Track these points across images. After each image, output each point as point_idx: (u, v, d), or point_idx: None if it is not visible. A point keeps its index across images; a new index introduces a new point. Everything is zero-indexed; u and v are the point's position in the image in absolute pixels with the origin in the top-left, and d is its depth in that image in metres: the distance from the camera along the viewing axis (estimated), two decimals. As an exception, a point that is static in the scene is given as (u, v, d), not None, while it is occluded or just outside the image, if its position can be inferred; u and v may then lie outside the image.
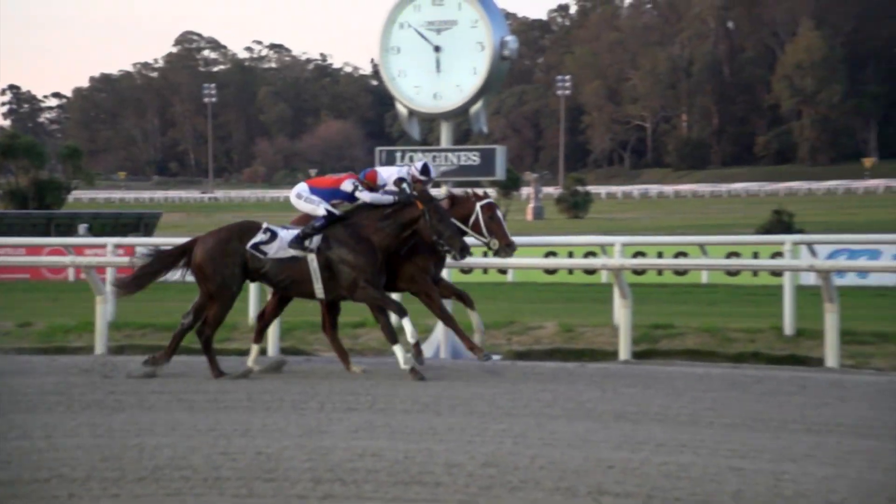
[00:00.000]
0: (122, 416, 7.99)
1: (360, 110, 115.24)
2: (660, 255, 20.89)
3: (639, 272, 16.67)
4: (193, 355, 10.54)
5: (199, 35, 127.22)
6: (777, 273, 15.65)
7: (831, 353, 11.02)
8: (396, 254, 9.76)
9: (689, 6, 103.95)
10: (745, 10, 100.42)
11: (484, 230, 9.82)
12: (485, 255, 11.37)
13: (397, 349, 9.60)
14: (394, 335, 9.67)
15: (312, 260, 9.61)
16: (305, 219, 9.93)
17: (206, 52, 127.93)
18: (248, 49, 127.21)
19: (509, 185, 55.87)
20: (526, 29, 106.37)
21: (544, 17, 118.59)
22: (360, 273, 9.58)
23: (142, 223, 38.34)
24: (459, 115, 12.08)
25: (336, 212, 9.77)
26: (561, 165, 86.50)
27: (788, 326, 12.67)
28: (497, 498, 5.75)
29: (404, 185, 9.74)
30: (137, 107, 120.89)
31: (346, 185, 9.78)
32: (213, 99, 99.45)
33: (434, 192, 10.35)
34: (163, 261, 10.13)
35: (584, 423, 7.71)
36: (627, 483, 5.97)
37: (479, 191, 10.26)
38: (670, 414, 8.04)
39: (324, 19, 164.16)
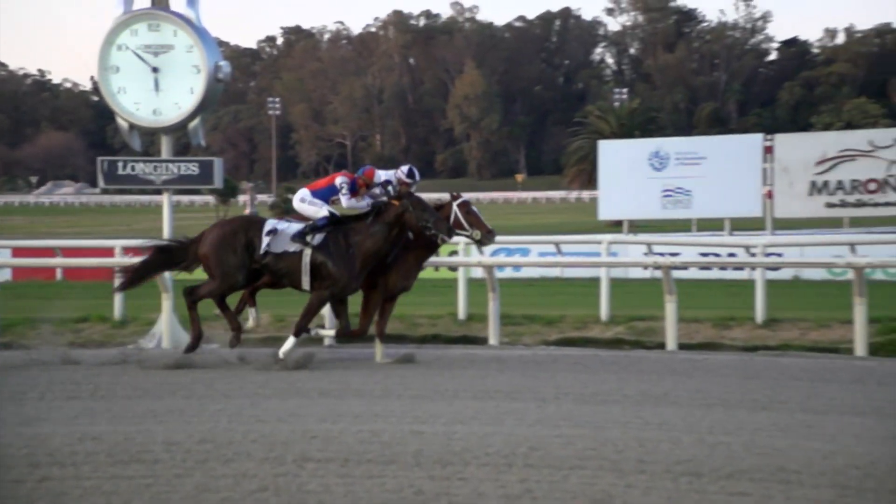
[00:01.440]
0: None
1: (81, 122, 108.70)
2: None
3: None
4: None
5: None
6: (453, 268, 16.04)
7: (493, 333, 11.45)
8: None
9: (378, 43, 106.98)
10: (423, 49, 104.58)
11: (465, 224, 9.65)
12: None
13: (290, 340, 9.36)
14: (300, 330, 9.38)
15: (307, 255, 9.18)
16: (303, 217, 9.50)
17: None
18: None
19: (227, 193, 54.91)
20: (238, 56, 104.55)
21: (254, 46, 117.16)
22: (330, 282, 9.18)
23: None
24: (179, 130, 11.67)
25: (337, 213, 9.41)
26: (274, 176, 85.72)
27: (462, 312, 13.05)
28: (212, 470, 5.59)
29: (389, 188, 9.45)
30: None
31: (337, 182, 9.48)
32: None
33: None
34: (162, 256, 9.57)
35: (294, 400, 7.62)
36: (328, 450, 5.95)
37: (452, 192, 10.07)
38: (366, 389, 8.08)
39: (43, 37, 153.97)
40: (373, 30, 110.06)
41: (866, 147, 16.96)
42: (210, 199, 61.50)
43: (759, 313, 12.14)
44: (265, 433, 6.35)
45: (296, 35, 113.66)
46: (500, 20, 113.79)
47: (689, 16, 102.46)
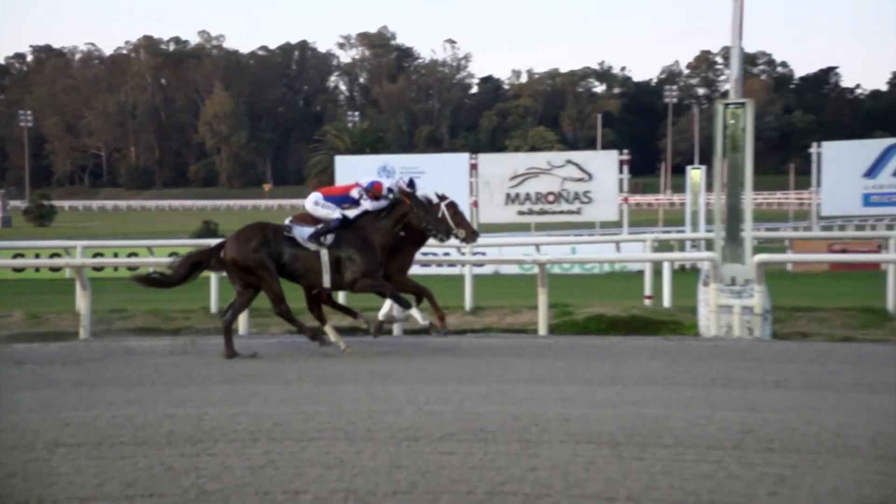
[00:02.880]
0: None
1: None
2: (116, 256, 20.21)
3: (98, 269, 16.22)
4: None
5: None
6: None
7: (242, 324, 11.18)
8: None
9: (130, 64, 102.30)
10: (173, 71, 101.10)
11: (451, 224, 9.07)
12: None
13: (414, 312, 8.93)
14: (404, 302, 8.91)
15: (325, 255, 8.71)
16: (308, 217, 8.98)
17: None
18: None
19: (-23, 199, 50.30)
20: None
21: (2, 61, 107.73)
22: (362, 271, 8.69)
23: None
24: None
25: (349, 216, 8.95)
26: (27, 183, 79.25)
27: (214, 306, 12.64)
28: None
29: (391, 195, 9.03)
30: None
31: (354, 193, 9.06)
32: None
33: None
34: (192, 262, 9.07)
35: (47, 391, 7.08)
36: (80, 435, 5.59)
37: (440, 193, 9.50)
38: (121, 378, 7.64)
39: None
40: (124, 52, 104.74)
41: (545, 166, 18.04)
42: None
43: (468, 302, 12.59)
44: (15, 423, 5.85)
45: (46, 53, 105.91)
46: (244, 48, 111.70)
47: (408, 53, 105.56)
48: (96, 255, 19.23)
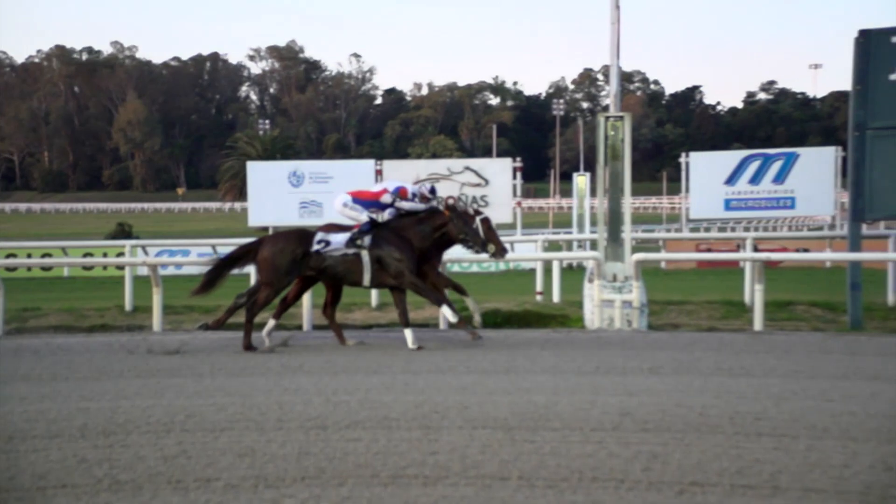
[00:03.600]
0: None
1: None
2: (29, 256, 19.44)
3: (11, 269, 15.59)
4: None
5: None
6: (120, 267, 15.14)
7: (157, 321, 10.88)
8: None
9: (43, 72, 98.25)
10: (86, 79, 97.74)
11: (483, 238, 8.81)
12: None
13: (407, 332, 8.52)
14: (406, 319, 8.62)
15: (365, 255, 8.55)
16: (333, 227, 8.81)
17: None
18: None
19: None
20: None
21: None
22: (406, 266, 8.54)
23: None
24: None
25: (377, 218, 8.72)
26: (-64, 184, 75.30)
27: (129, 304, 12.29)
28: None
29: (434, 202, 8.95)
30: None
31: (386, 198, 8.81)
32: None
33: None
34: (229, 261, 8.91)
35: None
36: (-11, 430, 5.30)
37: (475, 208, 9.58)
38: (34, 374, 7.29)
39: None
40: (36, 60, 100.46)
41: (446, 172, 18.12)
42: None
43: (374, 299, 12.54)
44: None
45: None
46: (157, 59, 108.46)
47: (315, 65, 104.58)
48: (9, 255, 18.46)
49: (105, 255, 19.01)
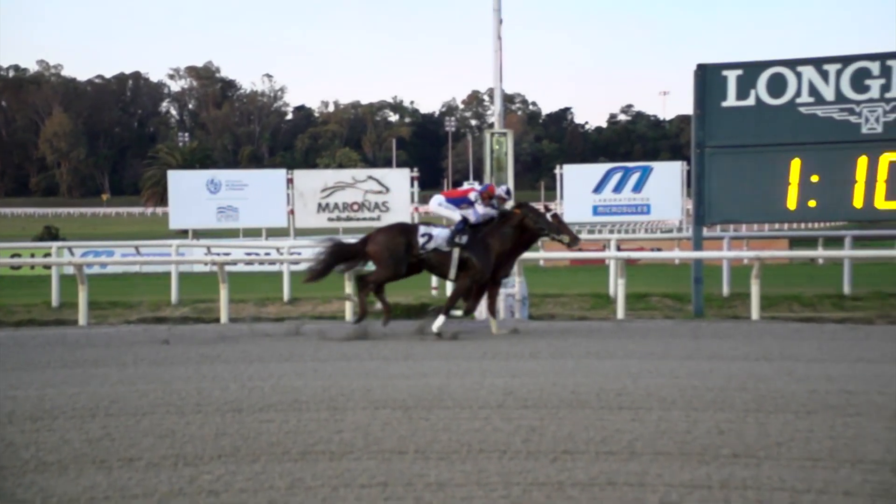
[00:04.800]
0: None
1: None
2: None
3: None
4: None
5: None
6: (48, 266, 14.40)
7: (82, 317, 10.39)
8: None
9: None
10: (13, 94, 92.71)
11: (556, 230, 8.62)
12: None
13: (441, 317, 8.38)
14: (449, 306, 8.49)
15: (456, 253, 8.47)
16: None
17: None
18: None
19: None
20: None
21: None
22: (478, 272, 8.47)
23: None
24: None
25: (469, 217, 8.57)
26: None
27: (55, 301, 11.69)
28: None
29: (495, 202, 8.73)
30: None
31: (472, 196, 8.68)
32: None
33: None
34: (341, 254, 8.71)
35: None
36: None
37: (547, 206, 9.39)
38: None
39: None
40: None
41: (350, 181, 18.09)
42: None
43: (286, 294, 12.34)
44: None
45: None
46: (82, 76, 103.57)
47: (231, 84, 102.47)
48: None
49: (33, 255, 18.13)
